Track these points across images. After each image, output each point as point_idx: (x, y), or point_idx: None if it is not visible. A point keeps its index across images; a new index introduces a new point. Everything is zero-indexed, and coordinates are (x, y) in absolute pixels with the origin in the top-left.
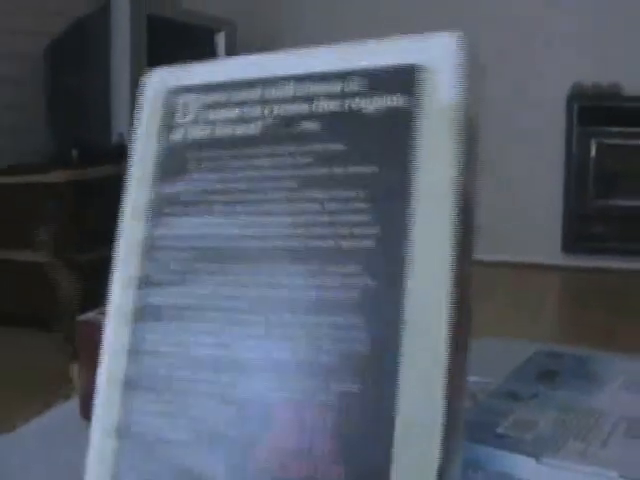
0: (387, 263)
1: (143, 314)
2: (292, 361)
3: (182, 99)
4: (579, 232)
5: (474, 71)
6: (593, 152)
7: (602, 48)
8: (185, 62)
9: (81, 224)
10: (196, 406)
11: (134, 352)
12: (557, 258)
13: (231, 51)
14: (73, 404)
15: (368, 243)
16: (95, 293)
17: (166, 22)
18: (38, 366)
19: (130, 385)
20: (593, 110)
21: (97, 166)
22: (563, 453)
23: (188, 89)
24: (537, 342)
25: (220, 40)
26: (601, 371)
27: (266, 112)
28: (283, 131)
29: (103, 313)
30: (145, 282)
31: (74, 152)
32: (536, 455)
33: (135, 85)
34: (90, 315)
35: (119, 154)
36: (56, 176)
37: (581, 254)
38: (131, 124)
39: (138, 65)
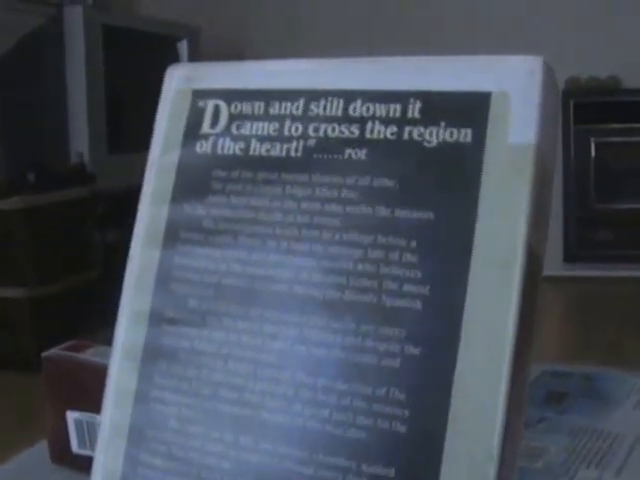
0: (435, 331)
1: (154, 355)
2: (321, 432)
3: (211, 105)
4: (581, 239)
5: (552, 105)
6: (593, 152)
7: (598, 38)
8: (144, 74)
9: (39, 254)
10: (208, 468)
11: (142, 398)
12: (558, 269)
13: (194, 60)
14: (42, 447)
15: (415, 304)
16: (58, 326)
17: (123, 32)
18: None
19: (135, 436)
20: (591, 106)
21: (56, 190)
22: None
23: (219, 93)
24: (542, 362)
25: (182, 48)
26: (612, 390)
27: (309, 132)
28: (327, 157)
29: (69, 348)
30: (158, 318)
31: (30, 175)
32: None
33: (93, 101)
34: (55, 350)
35: (79, 176)
36: (13, 202)
37: (584, 263)
38: (91, 143)
39: (95, 79)
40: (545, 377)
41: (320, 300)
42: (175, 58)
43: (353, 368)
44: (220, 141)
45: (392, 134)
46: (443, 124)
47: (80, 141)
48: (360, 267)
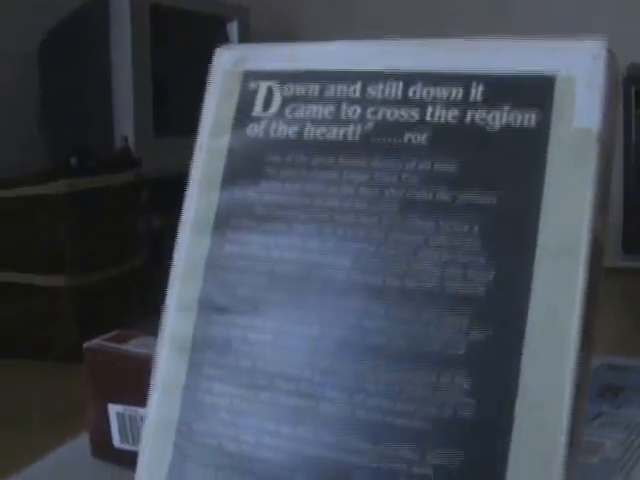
0: (500, 317)
1: (204, 345)
2: (384, 423)
3: (264, 87)
4: None
5: (614, 90)
6: (633, 136)
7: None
8: (192, 55)
9: (82, 241)
10: (262, 461)
11: (191, 390)
12: (618, 259)
13: (244, 40)
14: (83, 441)
15: (479, 290)
16: (101, 316)
17: (171, 11)
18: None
19: (184, 429)
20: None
21: (100, 175)
22: (633, 478)
23: (271, 75)
24: (599, 355)
25: (232, 30)
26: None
27: (367, 115)
28: (385, 141)
29: (112, 339)
30: (208, 307)
31: (73, 160)
32: None
33: (139, 83)
34: (98, 341)
35: (124, 160)
36: (56, 187)
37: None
38: (136, 126)
39: (142, 61)
40: (602, 370)
41: (380, 287)
42: (225, 39)
43: (416, 356)
44: (273, 124)
45: (454, 118)
46: (507, 108)
47: (125, 124)
48: (422, 253)
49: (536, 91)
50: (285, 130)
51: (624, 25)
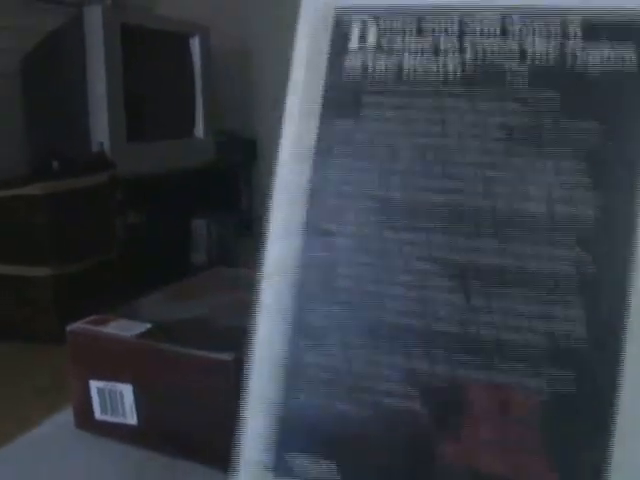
0: (608, 238)
1: (309, 267)
2: (496, 338)
3: (358, 20)
4: None
5: None
6: None
7: None
8: (159, 68)
9: (61, 236)
10: (372, 378)
11: (296, 314)
12: None
13: (205, 55)
14: (67, 414)
15: (587, 211)
16: (79, 302)
17: (140, 30)
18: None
19: (294, 362)
20: None
21: (78, 177)
22: None
23: (365, 9)
24: None
25: (194, 45)
26: None
27: (466, 45)
28: (487, 70)
29: (91, 322)
30: (313, 231)
31: (54, 164)
32: None
33: (112, 94)
34: (79, 324)
35: (100, 163)
36: (36, 188)
37: None
38: (111, 132)
39: (114, 74)
40: None
41: (488, 209)
42: (188, 53)
43: (527, 275)
44: (370, 56)
45: (554, 50)
46: (606, 42)
47: (101, 131)
48: (528, 177)
49: (632, 26)
50: (383, 61)
51: None
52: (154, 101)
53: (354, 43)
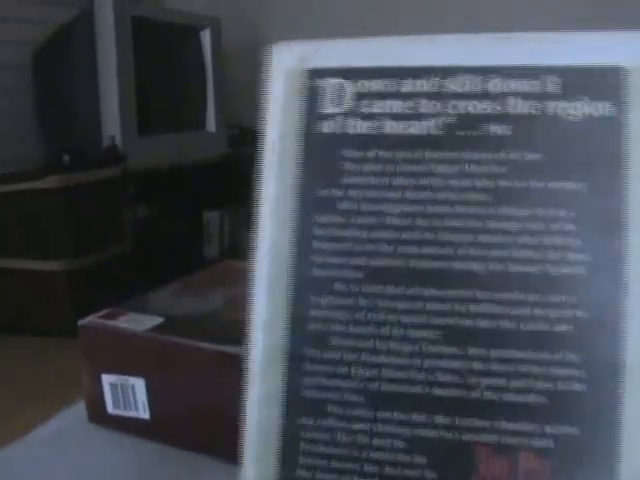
0: (600, 294)
1: (302, 347)
2: (500, 401)
3: (333, 83)
4: None
5: None
6: None
7: None
8: (170, 61)
9: (74, 230)
10: (378, 449)
11: (293, 391)
12: None
13: (216, 48)
14: (80, 408)
15: (579, 270)
16: (92, 296)
17: (150, 23)
18: (41, 372)
19: (291, 432)
20: None
21: (90, 170)
22: None
23: (339, 72)
24: None
25: (205, 38)
26: None
27: (448, 109)
28: (468, 134)
29: (103, 316)
30: (300, 317)
31: (65, 157)
32: None
33: (123, 88)
34: (91, 319)
35: (112, 157)
36: (49, 182)
37: None
38: (122, 126)
39: (125, 67)
40: None
41: (482, 274)
42: (198, 46)
43: (525, 336)
44: (349, 120)
45: (536, 109)
46: (582, 99)
47: (112, 125)
48: (520, 239)
49: (608, 82)
50: (363, 125)
51: None
52: (165, 94)
53: (329, 107)
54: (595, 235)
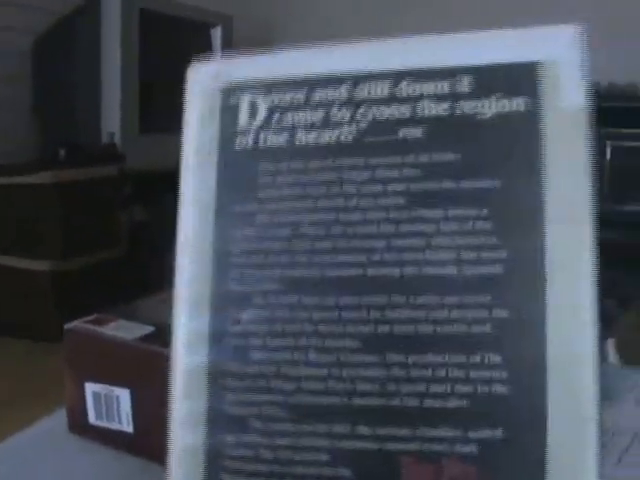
0: (520, 291)
1: (222, 365)
2: (420, 407)
3: (246, 99)
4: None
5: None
6: (609, 155)
7: (618, 47)
8: (178, 58)
9: (65, 229)
10: (302, 464)
11: (215, 413)
12: None
13: (227, 46)
14: (60, 416)
15: (496, 269)
16: (81, 299)
17: (159, 17)
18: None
19: (215, 450)
20: (609, 111)
21: (86, 167)
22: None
23: (252, 86)
24: None
25: (216, 35)
26: (615, 386)
27: (358, 116)
28: (381, 139)
29: (91, 322)
30: (221, 333)
31: (61, 152)
32: None
33: (126, 83)
34: (77, 323)
35: (109, 155)
36: (42, 177)
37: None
38: (123, 123)
39: (130, 62)
40: None
41: (397, 278)
42: (208, 44)
43: (443, 340)
44: (262, 135)
45: (445, 110)
46: (495, 96)
47: (112, 121)
48: (434, 241)
49: (521, 78)
50: (275, 139)
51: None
52: (170, 92)
53: (243, 123)
54: (512, 233)
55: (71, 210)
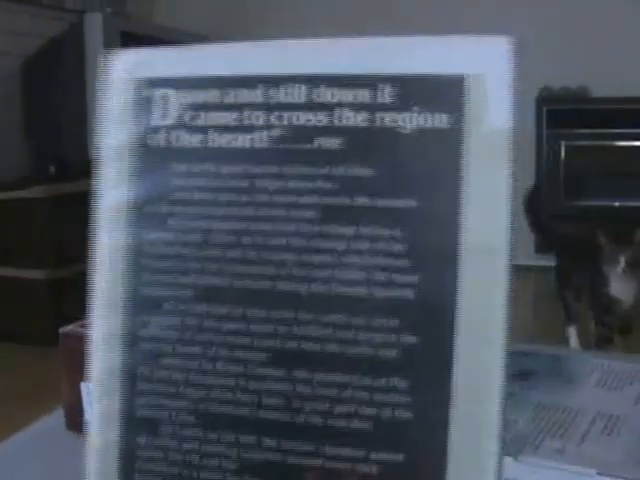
0: (430, 318)
1: (135, 362)
2: (324, 425)
3: (159, 94)
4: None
5: (517, 84)
6: (563, 154)
7: (569, 51)
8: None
9: (58, 239)
10: (209, 469)
11: (128, 413)
12: (531, 259)
13: None
14: (58, 415)
15: (407, 293)
16: (74, 306)
17: (139, 39)
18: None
19: (129, 450)
20: (562, 113)
21: (75, 181)
22: (541, 451)
23: (166, 81)
24: (512, 342)
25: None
26: (576, 369)
27: (272, 120)
28: (296, 147)
29: (83, 325)
30: (134, 321)
31: (51, 168)
32: (514, 454)
33: None
34: (72, 327)
35: None
36: (35, 191)
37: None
38: None
39: None
40: (515, 356)
41: (306, 295)
42: None
43: (349, 361)
44: (174, 133)
45: (363, 121)
46: (417, 109)
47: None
48: (345, 259)
49: (446, 91)
50: (188, 139)
51: (536, 51)
52: None
53: (156, 119)
54: (425, 256)
55: (63, 221)
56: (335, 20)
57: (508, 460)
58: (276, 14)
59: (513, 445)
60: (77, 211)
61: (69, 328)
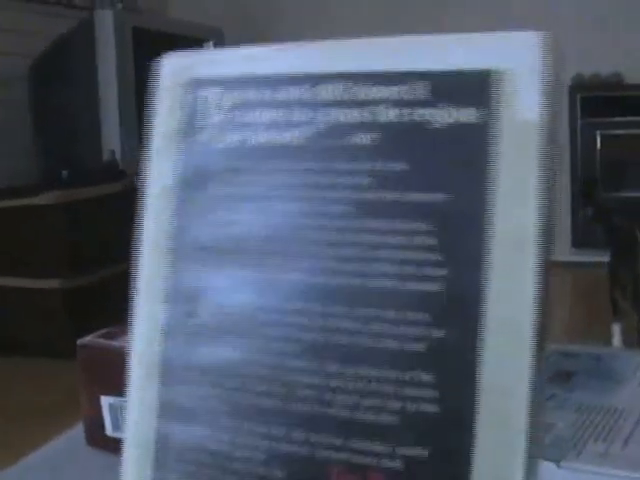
0: (458, 312)
1: (172, 350)
2: (352, 419)
3: (206, 94)
4: (589, 226)
5: (555, 79)
6: (598, 144)
7: (601, 38)
8: None
9: (73, 247)
10: (240, 460)
11: (166, 405)
12: (567, 254)
13: None
14: (78, 431)
15: (437, 287)
16: (91, 315)
17: (152, 34)
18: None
19: (162, 444)
20: (596, 101)
21: (89, 186)
22: (584, 456)
23: (214, 82)
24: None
25: (209, 48)
26: (618, 369)
27: (318, 118)
28: (333, 142)
29: (103, 336)
30: (175, 312)
31: (64, 172)
32: (556, 459)
33: (124, 100)
34: (90, 338)
35: (112, 172)
36: (47, 197)
37: (592, 249)
38: (122, 140)
39: (126, 80)
40: (554, 357)
41: (340, 288)
42: None
43: (379, 354)
44: (219, 132)
45: (398, 117)
46: (451, 104)
47: (112, 139)
48: (379, 253)
49: (475, 86)
50: (236, 136)
51: (568, 39)
52: None
53: (202, 119)
54: (455, 250)
55: (77, 228)
56: (350, 14)
57: (550, 466)
58: (290, 6)
59: (554, 450)
60: (92, 217)
61: (87, 339)
